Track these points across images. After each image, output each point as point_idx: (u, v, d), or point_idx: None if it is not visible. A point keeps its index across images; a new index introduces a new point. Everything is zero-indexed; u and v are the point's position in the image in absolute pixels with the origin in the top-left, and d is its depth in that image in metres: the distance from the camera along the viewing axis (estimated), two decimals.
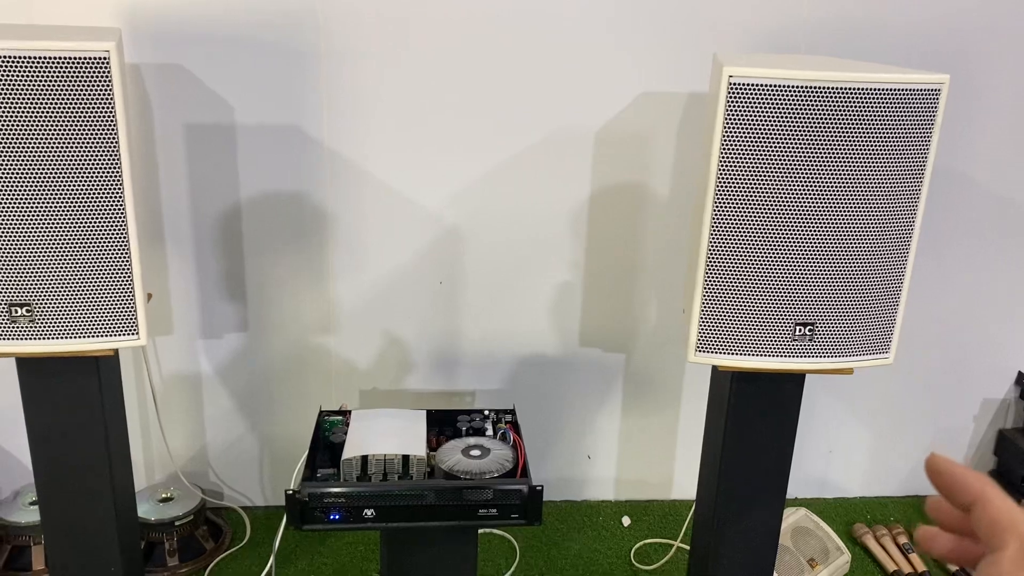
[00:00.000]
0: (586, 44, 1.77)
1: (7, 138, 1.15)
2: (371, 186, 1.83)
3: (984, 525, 0.38)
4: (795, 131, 1.19)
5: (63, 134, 1.17)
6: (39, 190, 1.18)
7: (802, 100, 1.18)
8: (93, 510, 1.43)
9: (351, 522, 1.31)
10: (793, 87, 1.18)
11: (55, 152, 1.17)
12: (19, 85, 1.14)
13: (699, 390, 2.05)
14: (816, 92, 1.18)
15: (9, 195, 1.18)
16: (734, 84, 1.18)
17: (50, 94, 1.15)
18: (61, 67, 1.14)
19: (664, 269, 1.95)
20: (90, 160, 1.19)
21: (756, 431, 1.44)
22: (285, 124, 1.77)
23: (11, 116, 1.15)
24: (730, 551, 1.50)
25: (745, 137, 1.20)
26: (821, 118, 1.19)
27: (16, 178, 1.17)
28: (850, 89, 1.18)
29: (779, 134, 1.20)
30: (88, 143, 1.18)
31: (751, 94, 1.18)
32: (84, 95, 1.16)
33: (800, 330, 1.30)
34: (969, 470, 0.41)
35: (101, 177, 1.20)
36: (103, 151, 1.19)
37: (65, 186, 1.19)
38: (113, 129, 1.19)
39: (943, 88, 1.21)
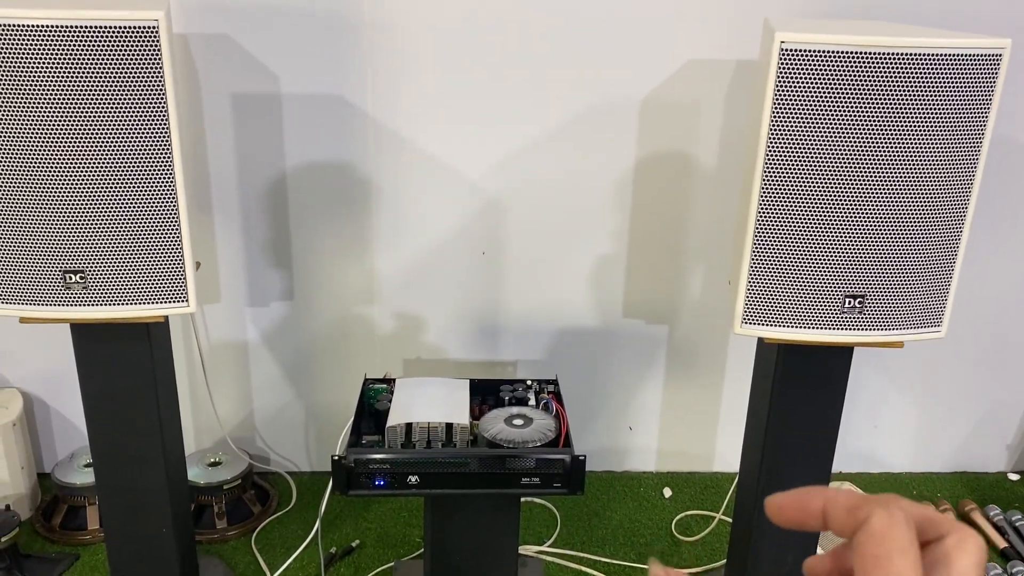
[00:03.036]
0: (632, 10, 1.74)
1: (58, 106, 1.17)
2: (414, 156, 1.83)
3: (843, 517, 0.35)
4: (848, 98, 1.17)
5: (114, 103, 1.18)
6: (92, 162, 1.20)
7: (856, 66, 1.15)
8: (145, 472, 1.47)
9: (395, 488, 1.33)
10: (847, 53, 1.14)
11: (106, 121, 1.19)
12: (70, 54, 1.15)
13: (743, 362, 2.03)
14: (870, 58, 1.15)
15: (63, 167, 1.20)
16: (786, 50, 1.15)
17: (99, 63, 1.16)
18: (111, 36, 1.15)
19: (709, 240, 1.92)
20: (140, 129, 1.21)
21: (802, 404, 1.43)
22: (330, 94, 1.78)
23: (61, 84, 1.16)
24: (773, 524, 1.49)
25: (796, 105, 1.17)
26: (875, 85, 1.16)
27: (68, 149, 1.19)
28: (905, 55, 1.14)
29: (831, 101, 1.17)
30: (138, 112, 1.20)
31: (803, 60, 1.15)
32: (133, 64, 1.17)
33: (850, 302, 1.27)
34: (805, 488, 0.37)
35: (151, 147, 1.22)
36: (152, 120, 1.21)
37: (116, 157, 1.21)
38: (162, 98, 1.20)
39: (1004, 53, 1.17)
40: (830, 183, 1.21)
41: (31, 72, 1.15)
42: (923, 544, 0.34)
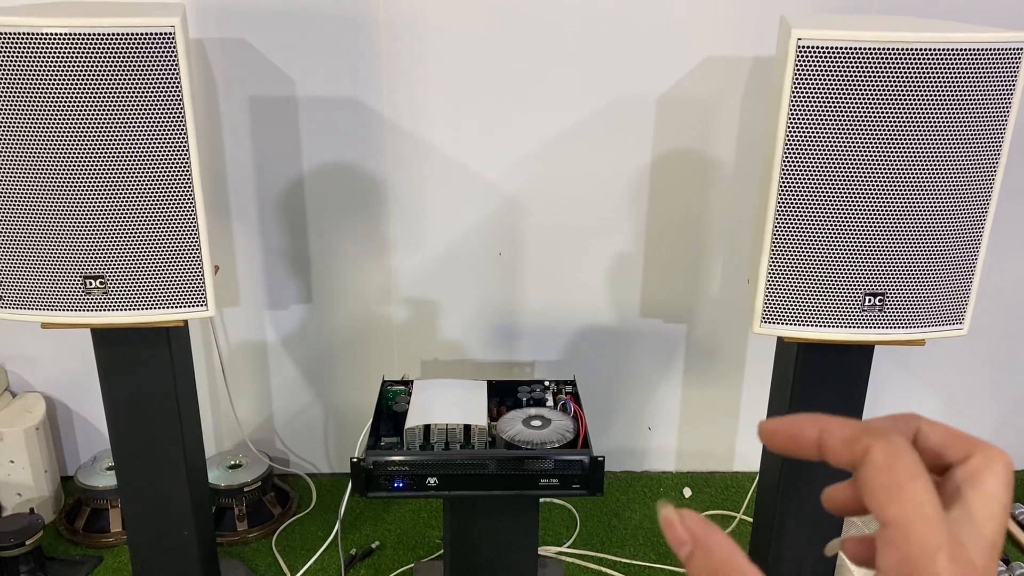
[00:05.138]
0: (648, 7, 1.73)
1: (77, 114, 1.18)
2: (431, 157, 1.83)
3: (839, 449, 0.32)
4: (866, 95, 1.15)
5: (130, 110, 1.19)
6: (110, 167, 1.21)
7: (873, 62, 1.14)
8: (166, 475, 1.48)
9: (414, 490, 1.33)
10: (863, 49, 1.13)
11: (123, 127, 1.20)
12: (86, 62, 1.16)
13: (763, 361, 2.02)
14: (888, 54, 1.13)
15: (82, 172, 1.21)
16: (803, 47, 1.14)
17: (116, 71, 1.17)
18: (127, 43, 1.16)
19: (728, 239, 1.91)
20: (156, 135, 1.21)
21: (822, 404, 1.41)
22: (346, 96, 1.78)
23: (79, 92, 1.17)
24: (794, 524, 1.48)
25: (814, 101, 1.17)
26: (893, 81, 1.15)
27: (87, 155, 1.20)
28: (923, 50, 1.13)
29: (849, 98, 1.16)
30: (154, 118, 1.20)
31: (820, 57, 1.14)
32: (150, 71, 1.18)
33: (870, 300, 1.26)
34: (800, 415, 0.34)
35: (168, 152, 1.23)
36: (168, 126, 1.21)
37: (134, 163, 1.22)
38: (179, 104, 1.21)
39: None
40: (849, 181, 1.20)
41: (50, 80, 1.16)
42: (946, 467, 0.33)
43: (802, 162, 1.20)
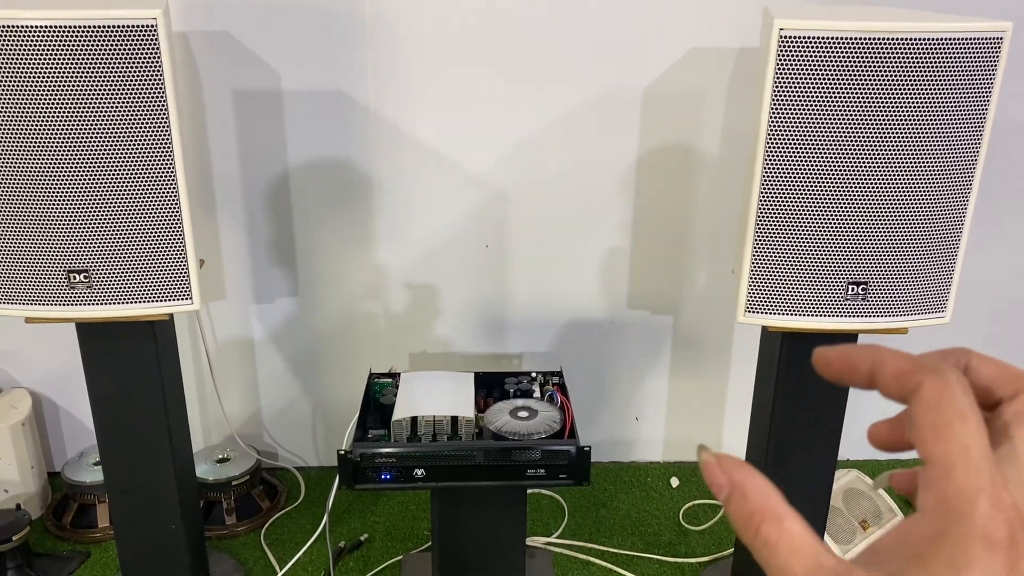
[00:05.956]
0: None
1: (59, 107, 1.18)
2: (417, 150, 1.83)
3: (891, 382, 0.32)
4: (848, 84, 1.16)
5: (113, 103, 1.19)
6: (93, 159, 1.21)
7: (856, 52, 1.15)
8: (153, 470, 1.48)
9: (402, 481, 1.34)
10: (846, 39, 1.14)
11: (106, 122, 1.19)
12: (69, 54, 1.15)
13: (749, 351, 2.03)
14: (870, 44, 1.14)
15: (64, 164, 1.20)
16: (785, 37, 1.15)
17: (100, 63, 1.16)
18: (109, 35, 1.16)
19: (714, 230, 1.92)
20: (140, 128, 1.21)
21: (807, 392, 1.42)
22: (331, 89, 1.78)
23: (61, 85, 1.17)
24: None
25: (797, 92, 1.17)
26: (876, 71, 1.15)
27: (69, 147, 1.20)
28: (905, 40, 1.14)
29: (832, 88, 1.16)
30: (137, 111, 1.20)
31: (803, 47, 1.15)
32: (132, 63, 1.18)
33: (853, 289, 1.27)
34: (856, 345, 0.35)
35: (151, 145, 1.22)
36: (152, 119, 1.21)
37: (117, 154, 1.21)
38: (162, 96, 1.20)
39: (1005, 37, 1.16)
40: (831, 169, 1.21)
41: (30, 72, 1.15)
42: (996, 403, 0.32)
43: (785, 152, 1.20)
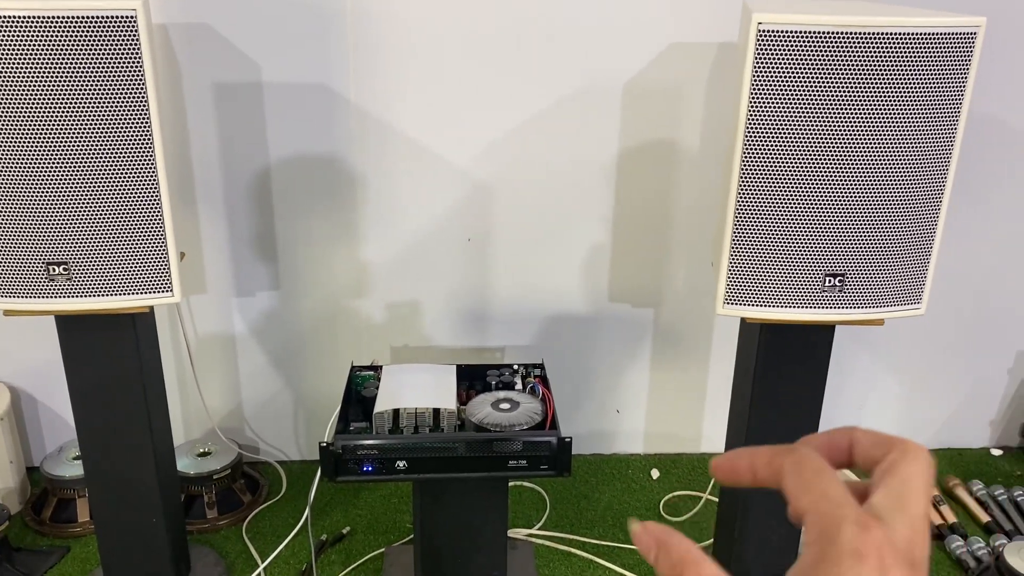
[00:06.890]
0: None
1: (38, 99, 1.17)
2: (399, 143, 1.83)
3: (765, 475, 0.38)
4: (825, 77, 1.17)
5: (92, 95, 1.18)
6: (72, 149, 1.20)
7: (832, 46, 1.16)
8: (134, 464, 1.47)
9: (383, 473, 1.34)
10: (823, 33, 1.15)
11: (85, 113, 1.19)
12: (46, 46, 1.15)
13: (728, 343, 2.04)
14: (847, 38, 1.15)
15: (43, 155, 1.20)
16: (763, 31, 1.16)
17: (78, 54, 1.16)
18: (88, 27, 1.15)
19: (694, 223, 1.93)
20: (119, 121, 1.20)
21: (785, 384, 1.44)
22: (313, 82, 1.77)
23: (40, 76, 1.16)
24: (759, 504, 1.51)
25: (774, 85, 1.18)
26: (852, 64, 1.17)
27: (48, 138, 1.19)
28: (881, 33, 1.15)
29: (809, 81, 1.18)
30: (117, 103, 1.19)
31: (781, 41, 1.16)
32: (111, 55, 1.17)
33: (830, 281, 1.29)
34: (734, 451, 0.40)
35: (131, 137, 1.22)
36: (132, 111, 1.20)
37: (97, 146, 1.21)
38: (141, 89, 1.20)
39: (979, 31, 1.18)
40: (808, 162, 1.22)
41: (9, 63, 1.15)
42: (874, 465, 0.37)
43: (762, 144, 1.22)
